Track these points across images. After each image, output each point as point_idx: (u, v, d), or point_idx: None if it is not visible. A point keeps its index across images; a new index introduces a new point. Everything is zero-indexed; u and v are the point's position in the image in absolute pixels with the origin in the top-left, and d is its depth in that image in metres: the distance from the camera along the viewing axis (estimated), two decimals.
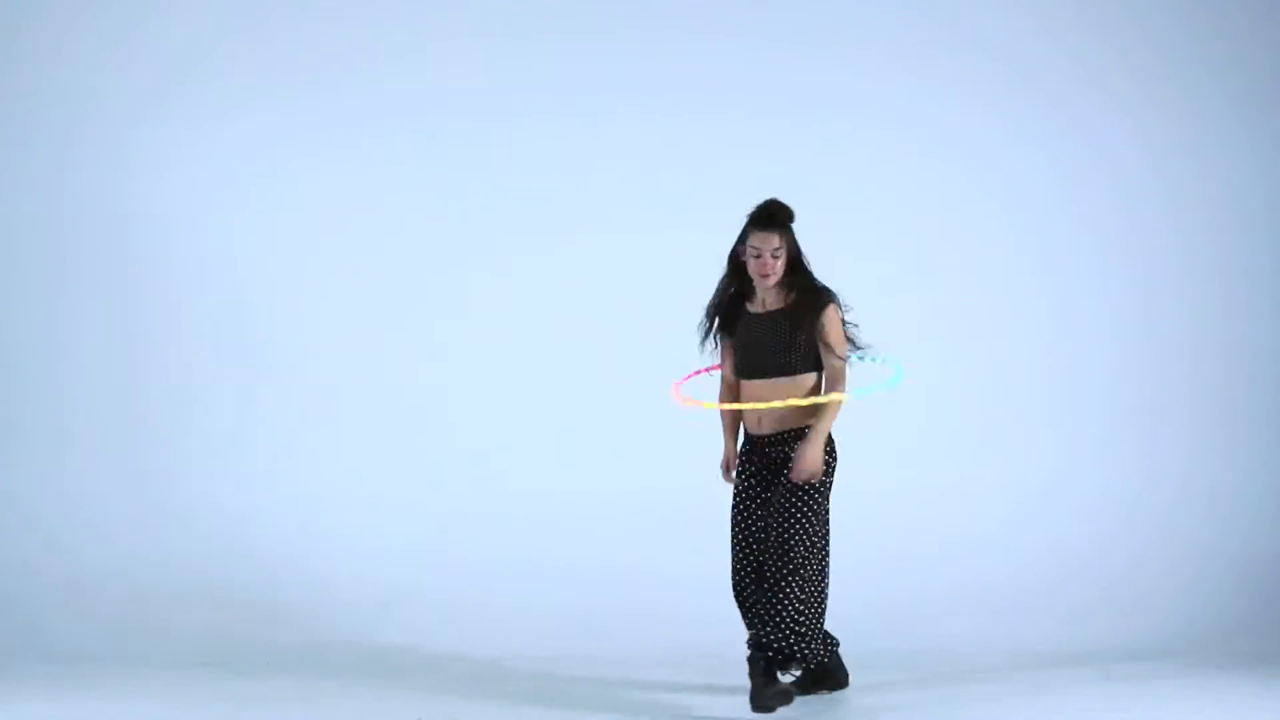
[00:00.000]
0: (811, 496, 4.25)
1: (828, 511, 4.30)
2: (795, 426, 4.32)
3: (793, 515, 4.21)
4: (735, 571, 4.39)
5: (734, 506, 4.41)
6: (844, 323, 4.35)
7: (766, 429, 4.34)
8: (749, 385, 4.34)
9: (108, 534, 5.86)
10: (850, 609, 5.35)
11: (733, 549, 4.39)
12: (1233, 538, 5.84)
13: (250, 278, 6.13)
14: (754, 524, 4.36)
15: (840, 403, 4.26)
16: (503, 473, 5.83)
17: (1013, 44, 6.21)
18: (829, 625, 4.38)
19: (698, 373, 4.55)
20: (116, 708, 4.30)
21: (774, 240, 4.26)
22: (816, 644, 4.26)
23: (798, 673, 4.34)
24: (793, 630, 4.16)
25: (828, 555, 4.31)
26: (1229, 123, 6.18)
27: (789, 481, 4.23)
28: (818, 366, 4.32)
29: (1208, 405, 6.06)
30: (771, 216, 4.28)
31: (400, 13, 6.19)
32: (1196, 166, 6.19)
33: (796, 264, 4.34)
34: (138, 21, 6.17)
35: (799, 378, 4.29)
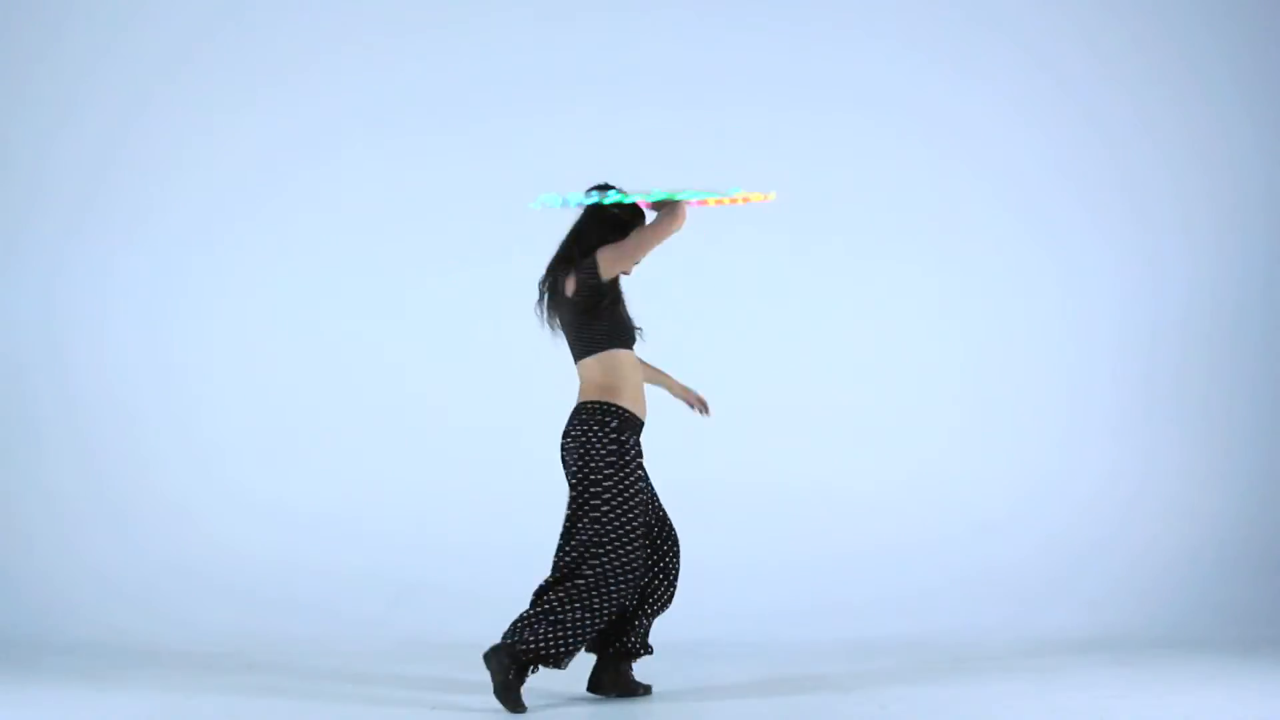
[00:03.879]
0: None
1: None
2: None
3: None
4: (637, 569, 4.00)
5: (638, 501, 4.05)
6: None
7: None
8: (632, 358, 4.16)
9: (123, 526, 5.89)
10: (858, 596, 5.37)
11: (636, 547, 4.00)
12: (1243, 523, 5.85)
13: (248, 272, 6.14)
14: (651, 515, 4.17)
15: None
16: (511, 461, 5.83)
17: (1016, 25, 6.19)
18: None
19: None
20: (134, 699, 4.28)
21: None
22: None
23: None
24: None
25: None
26: (1232, 107, 6.17)
27: None
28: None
29: (1216, 391, 6.06)
30: None
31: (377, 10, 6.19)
32: (1199, 154, 6.17)
33: None
34: (121, 25, 6.15)
35: None
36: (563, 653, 3.91)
